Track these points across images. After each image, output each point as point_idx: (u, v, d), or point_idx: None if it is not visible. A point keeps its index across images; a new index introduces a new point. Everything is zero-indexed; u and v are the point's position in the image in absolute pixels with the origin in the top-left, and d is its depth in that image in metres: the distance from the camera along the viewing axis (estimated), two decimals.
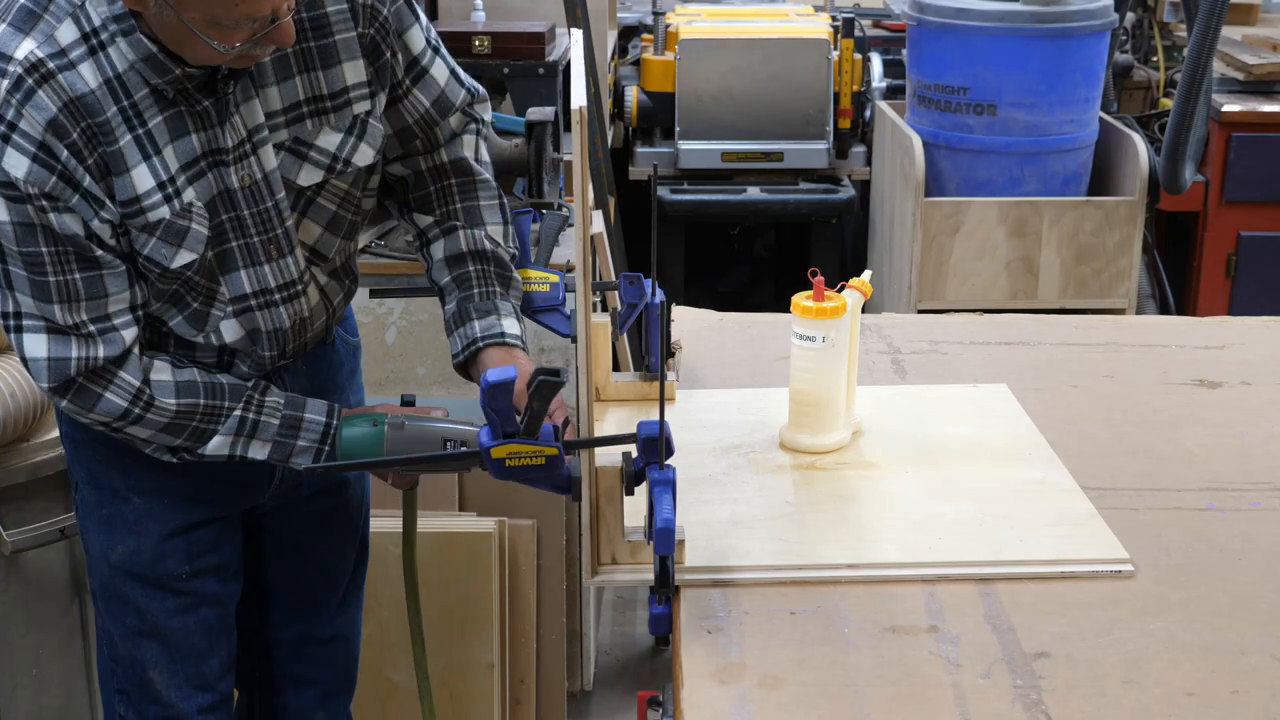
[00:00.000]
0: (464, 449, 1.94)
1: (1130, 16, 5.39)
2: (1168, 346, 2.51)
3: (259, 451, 2.01)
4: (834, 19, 5.18)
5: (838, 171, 5.12)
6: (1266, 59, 4.97)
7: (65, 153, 1.77)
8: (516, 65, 3.75)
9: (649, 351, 2.14)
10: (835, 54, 5.01)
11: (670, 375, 2.29)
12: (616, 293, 2.05)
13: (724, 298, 5.52)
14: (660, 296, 2.03)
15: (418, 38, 2.04)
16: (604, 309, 3.21)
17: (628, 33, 5.69)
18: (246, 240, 1.95)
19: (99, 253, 1.83)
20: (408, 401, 2.09)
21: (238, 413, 1.99)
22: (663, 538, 1.62)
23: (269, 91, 1.92)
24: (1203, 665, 1.58)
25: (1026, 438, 2.11)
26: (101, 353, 1.87)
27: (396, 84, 2.03)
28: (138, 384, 1.91)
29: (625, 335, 2.95)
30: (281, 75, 1.92)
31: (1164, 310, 4.74)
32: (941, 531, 1.83)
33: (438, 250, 2.11)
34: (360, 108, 1.98)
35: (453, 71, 2.10)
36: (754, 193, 4.99)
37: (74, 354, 1.86)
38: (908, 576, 1.75)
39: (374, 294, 2.87)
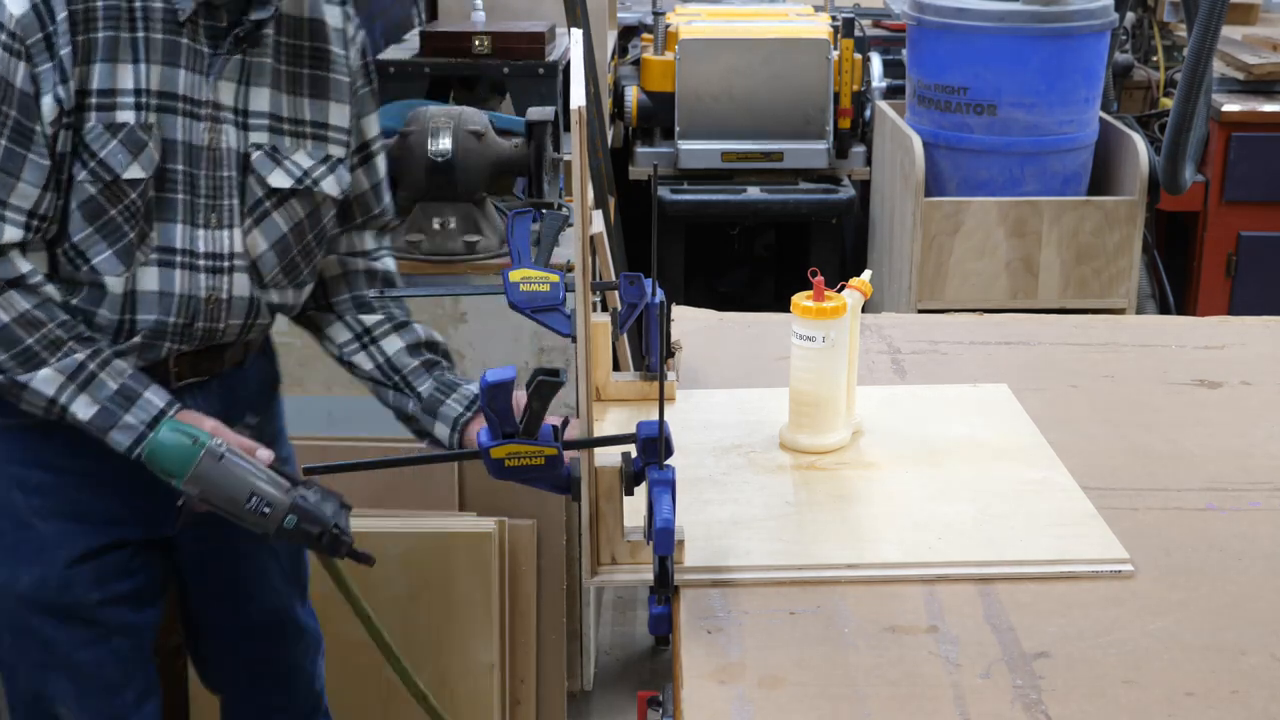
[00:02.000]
0: (463, 450, 1.94)
1: (1130, 16, 5.39)
2: (1168, 346, 2.51)
3: (83, 408, 1.91)
4: (834, 19, 5.18)
5: (838, 171, 5.12)
6: (1266, 59, 4.97)
7: (62, 14, 1.86)
8: (516, 65, 3.75)
9: (649, 351, 2.13)
10: (835, 54, 5.01)
11: (670, 375, 2.29)
12: (616, 293, 2.04)
13: (724, 298, 5.52)
14: (660, 296, 2.03)
15: (375, 124, 2.18)
16: (604, 309, 3.21)
17: (628, 33, 5.69)
18: (193, 198, 1.99)
19: (36, 130, 1.87)
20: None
21: (79, 356, 1.91)
22: (662, 538, 1.62)
23: (261, 90, 2.01)
24: (1203, 665, 1.58)
25: (1026, 438, 2.11)
26: None
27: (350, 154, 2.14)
28: None
29: (625, 335, 2.95)
30: (274, 84, 2.02)
31: (1164, 310, 4.74)
32: (941, 531, 1.83)
33: (392, 343, 2.16)
34: (335, 150, 2.09)
35: (386, 176, 2.23)
36: (754, 193, 4.99)
37: None
38: (907, 576, 1.75)
39: None
